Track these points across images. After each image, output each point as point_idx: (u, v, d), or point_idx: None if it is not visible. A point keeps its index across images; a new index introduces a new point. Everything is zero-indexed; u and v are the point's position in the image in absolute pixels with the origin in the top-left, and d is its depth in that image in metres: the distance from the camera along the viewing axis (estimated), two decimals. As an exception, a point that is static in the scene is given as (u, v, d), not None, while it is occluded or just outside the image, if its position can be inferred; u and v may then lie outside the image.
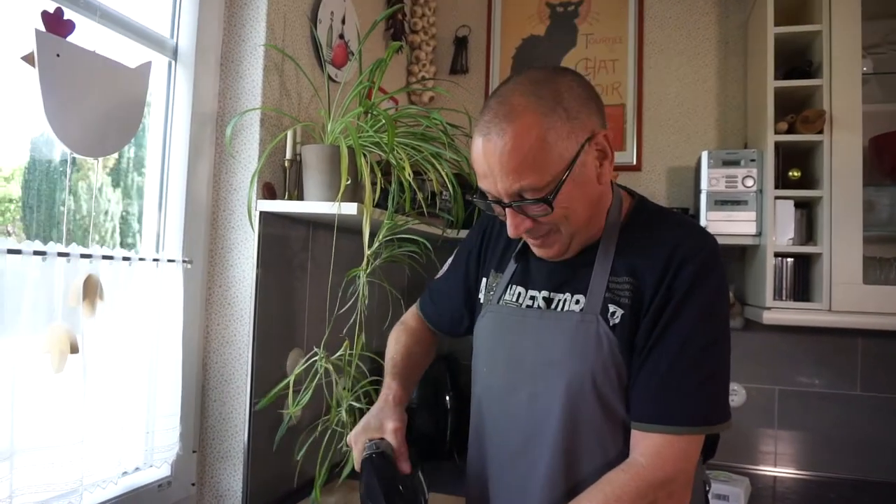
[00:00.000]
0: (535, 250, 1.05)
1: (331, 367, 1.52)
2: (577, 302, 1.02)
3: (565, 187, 0.94)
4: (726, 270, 1.02)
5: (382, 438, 1.07)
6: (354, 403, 1.51)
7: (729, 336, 1.00)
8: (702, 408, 0.94)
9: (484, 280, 1.20)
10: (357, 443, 1.09)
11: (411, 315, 1.38)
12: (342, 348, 1.53)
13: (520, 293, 1.10)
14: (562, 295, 1.05)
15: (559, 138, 0.93)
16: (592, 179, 0.99)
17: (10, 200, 1.26)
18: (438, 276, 1.33)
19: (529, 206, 0.96)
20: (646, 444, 0.95)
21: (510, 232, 1.00)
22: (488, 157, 0.95)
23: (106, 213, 1.42)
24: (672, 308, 0.95)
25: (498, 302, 1.13)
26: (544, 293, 1.06)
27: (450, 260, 1.33)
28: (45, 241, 1.13)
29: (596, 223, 1.04)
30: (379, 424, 1.09)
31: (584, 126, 0.96)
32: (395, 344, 1.30)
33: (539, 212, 0.96)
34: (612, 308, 0.99)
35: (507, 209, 0.98)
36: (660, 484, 0.92)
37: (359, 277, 1.52)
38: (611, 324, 0.98)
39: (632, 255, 1.01)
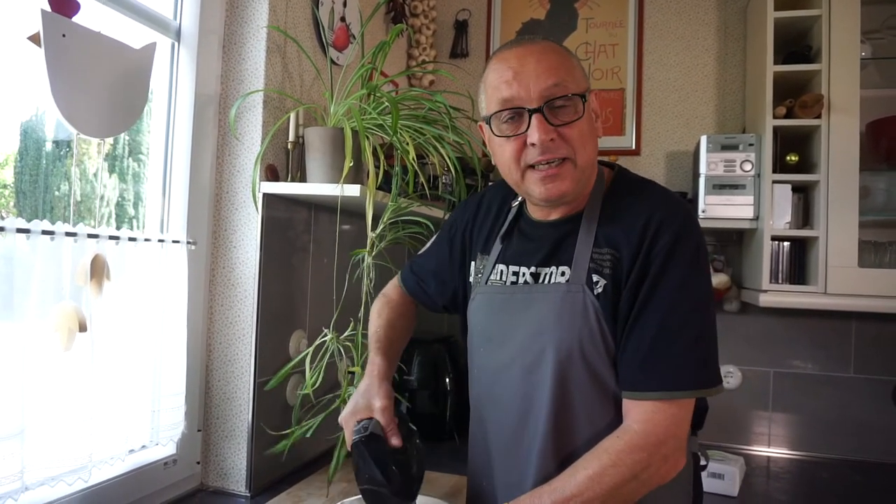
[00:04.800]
0: (541, 189, 1.01)
1: (341, 347, 1.54)
2: (563, 274, 1.04)
3: (588, 104, 1.01)
4: (705, 238, 1.03)
5: (372, 418, 1.08)
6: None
7: (712, 300, 1.02)
8: (689, 372, 0.95)
9: (472, 263, 1.21)
10: (347, 425, 1.11)
11: (392, 287, 1.38)
12: (350, 328, 1.55)
13: (502, 271, 1.12)
14: (548, 269, 1.06)
15: (577, 69, 1.03)
16: (595, 126, 1.05)
17: (4, 186, 1.27)
18: (421, 252, 1.35)
19: (560, 110, 0.98)
20: (637, 411, 0.96)
21: (537, 138, 0.97)
22: (523, 58, 1.00)
23: (102, 198, 1.42)
24: (652, 277, 0.97)
25: (486, 283, 1.14)
26: (532, 269, 1.08)
27: (433, 238, 1.34)
28: (46, 225, 1.13)
29: (587, 183, 1.07)
30: (367, 404, 1.11)
31: (586, 80, 1.06)
32: (378, 318, 1.31)
33: (569, 116, 0.98)
34: (595, 278, 1.00)
35: (534, 116, 0.98)
36: (653, 448, 0.94)
37: (363, 259, 1.53)
38: (595, 293, 1.00)
39: (611, 227, 1.03)
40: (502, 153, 1.04)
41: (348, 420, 1.11)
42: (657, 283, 0.96)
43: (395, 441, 1.06)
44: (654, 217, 0.99)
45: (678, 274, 0.96)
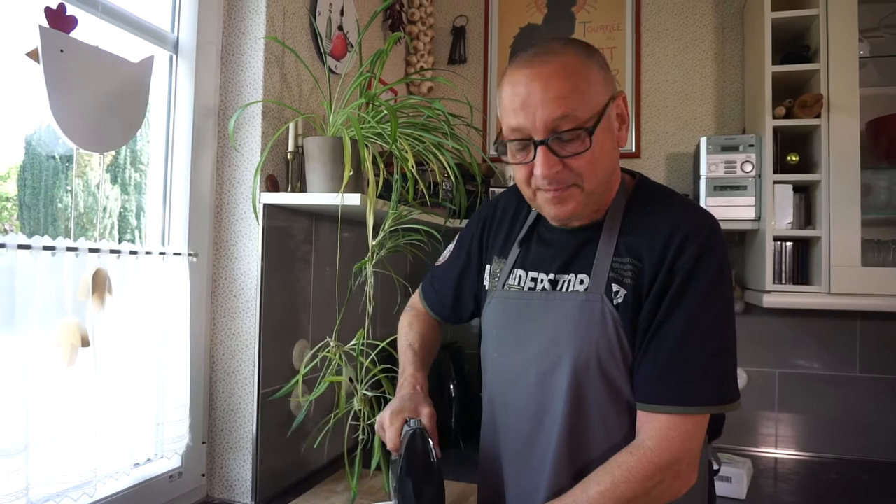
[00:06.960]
0: (550, 209, 1.02)
1: (343, 357, 1.53)
2: (582, 282, 1.03)
3: (601, 126, 0.96)
4: (727, 251, 1.02)
5: (420, 419, 1.07)
6: (368, 392, 1.53)
7: (733, 315, 1.01)
8: (707, 387, 0.94)
9: (488, 267, 1.20)
10: (393, 423, 1.08)
11: (416, 300, 1.39)
12: (356, 338, 1.54)
13: (521, 276, 1.11)
14: (566, 276, 1.05)
15: (596, 81, 0.98)
16: (615, 137, 1.02)
17: (7, 199, 1.27)
18: (439, 262, 1.34)
19: (566, 142, 0.95)
20: (652, 426, 0.95)
21: (540, 172, 0.96)
22: (531, 84, 0.95)
23: (105, 209, 1.42)
24: (675, 289, 0.96)
25: (503, 288, 1.14)
26: (550, 276, 1.07)
27: (450, 247, 1.33)
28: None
29: (606, 194, 1.05)
30: (413, 407, 1.10)
31: (611, 82, 1.01)
32: (410, 330, 1.31)
33: (575, 148, 0.96)
34: (615, 287, 0.99)
35: (539, 148, 0.96)
36: (667, 465, 0.93)
37: (365, 268, 1.53)
38: (614, 303, 0.99)
39: (634, 236, 1.01)
40: (516, 173, 1.05)
41: (394, 418, 1.08)
42: (679, 296, 0.96)
43: (437, 451, 1.05)
44: (679, 230, 0.98)
45: (701, 289, 0.95)
